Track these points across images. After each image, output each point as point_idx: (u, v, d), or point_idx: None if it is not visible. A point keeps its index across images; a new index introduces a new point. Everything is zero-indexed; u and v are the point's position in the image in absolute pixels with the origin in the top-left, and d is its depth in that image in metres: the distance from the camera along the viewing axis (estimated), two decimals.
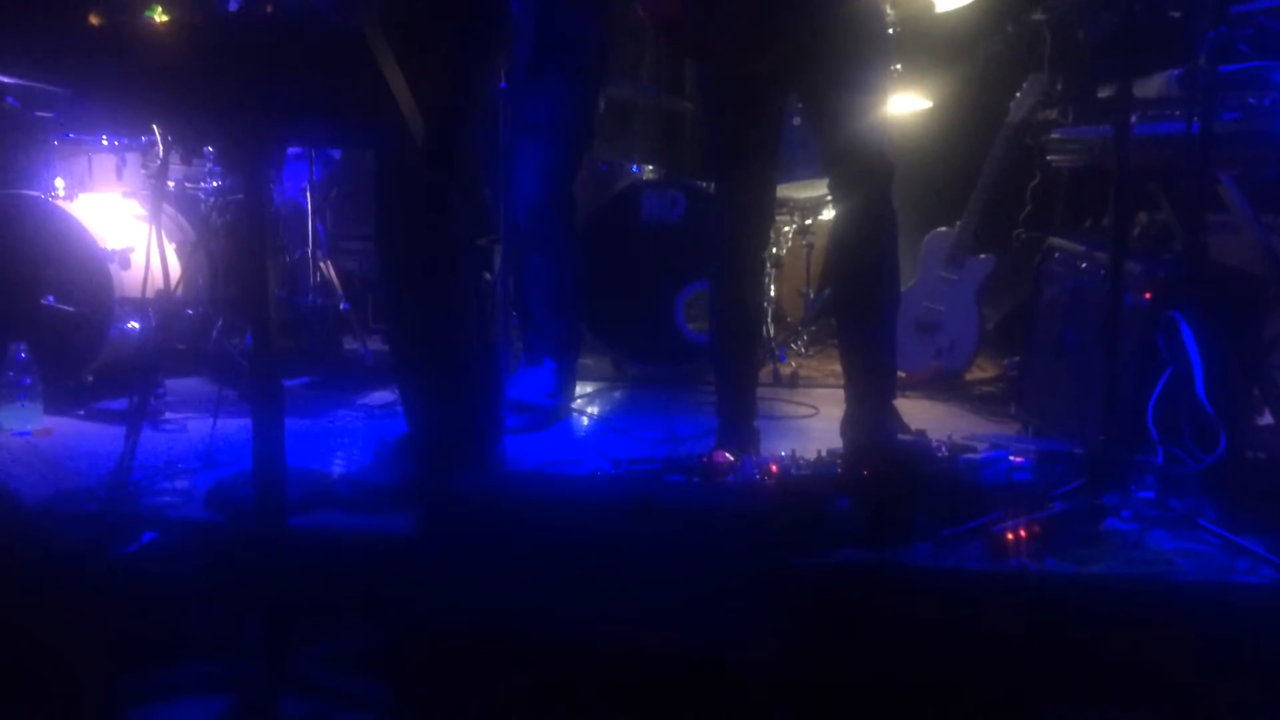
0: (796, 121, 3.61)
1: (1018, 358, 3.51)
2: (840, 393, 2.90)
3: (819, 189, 3.87)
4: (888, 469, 2.35)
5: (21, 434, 3.09)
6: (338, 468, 2.82)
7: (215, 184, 3.85)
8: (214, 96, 1.84)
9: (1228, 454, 2.40)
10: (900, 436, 2.75)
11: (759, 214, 2.85)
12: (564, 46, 3.27)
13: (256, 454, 1.94)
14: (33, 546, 2.14)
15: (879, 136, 2.66)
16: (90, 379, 3.52)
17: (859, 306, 2.79)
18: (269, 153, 2.01)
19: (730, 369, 2.96)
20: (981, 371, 4.03)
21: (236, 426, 2.94)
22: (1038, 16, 4.02)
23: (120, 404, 3.35)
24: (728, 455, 2.55)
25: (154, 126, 3.40)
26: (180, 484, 2.65)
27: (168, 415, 3.27)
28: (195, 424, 3.23)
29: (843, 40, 2.59)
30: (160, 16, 3.24)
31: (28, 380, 3.13)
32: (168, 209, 3.78)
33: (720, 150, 2.82)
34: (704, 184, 3.86)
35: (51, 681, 1.92)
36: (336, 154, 4.52)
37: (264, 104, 1.83)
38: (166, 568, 2.25)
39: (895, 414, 2.84)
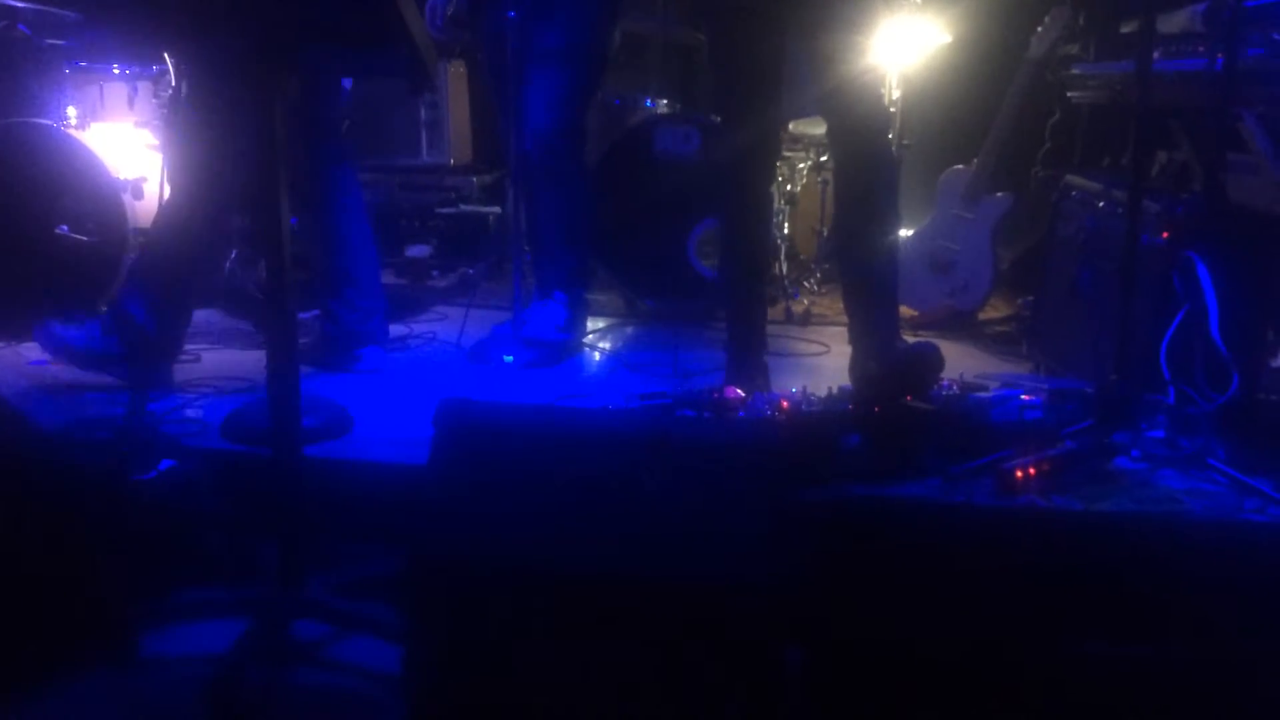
0: None
1: (1031, 297, 3.50)
2: None
3: None
4: (899, 409, 2.36)
5: (39, 363, 3.11)
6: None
7: None
8: (227, 21, 1.83)
9: (1240, 394, 2.40)
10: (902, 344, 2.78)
11: (766, 150, 2.87)
12: None
13: (271, 384, 1.96)
14: (52, 472, 2.17)
15: (873, 78, 2.64)
16: (105, 309, 3.54)
17: (860, 247, 2.82)
18: (283, 80, 1.99)
19: (740, 305, 2.97)
20: (994, 311, 4.02)
21: (255, 358, 2.98)
22: None
23: None
24: (739, 391, 2.56)
25: (165, 55, 3.38)
26: (196, 413, 2.68)
27: (183, 346, 3.28)
28: (209, 355, 3.26)
29: None
30: None
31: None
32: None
33: (726, 88, 2.83)
34: (718, 119, 3.82)
35: (70, 604, 1.96)
36: (348, 84, 4.48)
37: (277, 29, 1.82)
38: (183, 495, 2.28)
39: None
